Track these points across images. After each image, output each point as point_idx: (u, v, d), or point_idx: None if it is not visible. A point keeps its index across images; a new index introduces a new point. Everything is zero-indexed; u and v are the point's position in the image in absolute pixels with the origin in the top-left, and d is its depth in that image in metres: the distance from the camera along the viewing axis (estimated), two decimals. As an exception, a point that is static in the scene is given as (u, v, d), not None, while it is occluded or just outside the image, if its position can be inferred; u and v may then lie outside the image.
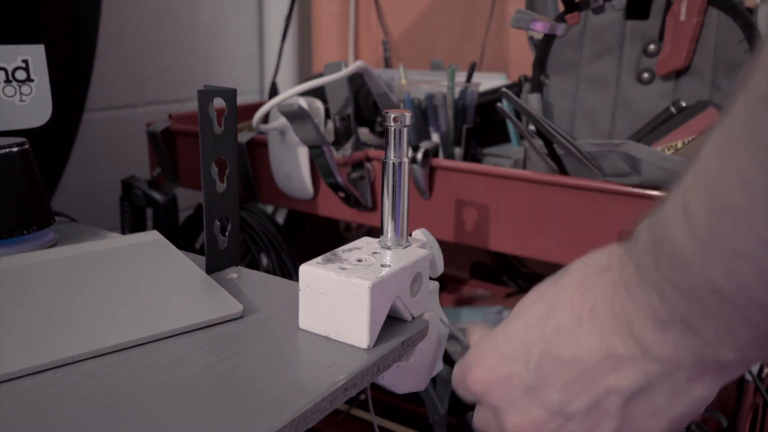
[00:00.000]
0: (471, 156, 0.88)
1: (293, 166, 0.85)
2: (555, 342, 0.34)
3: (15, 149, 0.56)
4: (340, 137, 0.82)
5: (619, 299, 0.31)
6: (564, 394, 0.33)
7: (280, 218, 1.18)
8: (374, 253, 0.43)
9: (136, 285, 0.48)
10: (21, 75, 0.58)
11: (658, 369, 0.31)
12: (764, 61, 0.23)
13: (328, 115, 0.87)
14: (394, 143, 0.43)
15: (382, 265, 0.41)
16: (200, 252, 0.52)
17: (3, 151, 0.55)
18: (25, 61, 0.58)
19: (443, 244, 0.48)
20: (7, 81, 0.57)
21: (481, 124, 0.90)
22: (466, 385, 0.38)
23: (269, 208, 1.14)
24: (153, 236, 0.57)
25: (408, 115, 0.43)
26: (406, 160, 0.44)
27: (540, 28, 0.75)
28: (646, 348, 0.30)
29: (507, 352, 0.36)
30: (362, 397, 0.92)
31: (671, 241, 0.27)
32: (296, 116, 0.76)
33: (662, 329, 0.30)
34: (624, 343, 0.31)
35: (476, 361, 0.37)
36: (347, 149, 0.80)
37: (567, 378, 0.33)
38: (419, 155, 0.74)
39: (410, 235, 0.47)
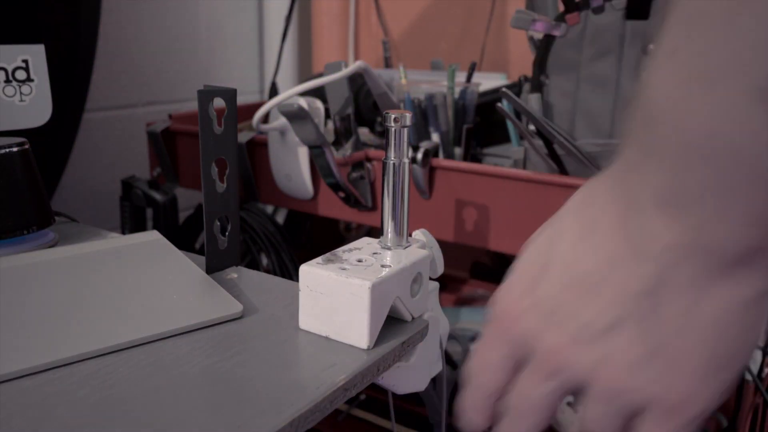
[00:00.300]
0: (471, 156, 0.88)
1: (293, 166, 0.85)
2: (564, 260, 0.32)
3: (15, 149, 0.56)
4: (340, 137, 0.82)
5: (617, 197, 0.29)
6: (581, 314, 0.31)
7: (280, 218, 1.18)
8: (374, 253, 0.43)
9: (136, 285, 0.48)
10: (21, 75, 0.58)
11: (663, 261, 0.28)
12: None
13: (328, 115, 0.87)
14: (395, 143, 0.43)
15: (382, 266, 0.41)
16: (200, 252, 0.52)
17: (3, 151, 0.55)
18: (25, 61, 0.58)
19: (443, 244, 0.48)
20: (7, 81, 0.57)
21: (481, 124, 0.90)
22: (498, 329, 0.34)
23: (269, 208, 1.14)
24: (153, 236, 0.57)
25: (408, 115, 0.43)
26: (406, 160, 0.44)
27: (540, 28, 0.75)
28: (644, 241, 0.28)
29: (524, 282, 0.33)
30: (362, 397, 0.92)
31: (655, 94, 0.26)
32: (296, 116, 0.76)
33: (660, 212, 0.27)
34: (624, 243, 0.29)
35: (501, 298, 0.35)
36: (347, 149, 0.80)
37: (577, 295, 0.31)
38: (419, 155, 0.74)
39: (410, 235, 0.47)
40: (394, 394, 0.47)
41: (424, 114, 0.85)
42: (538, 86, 0.78)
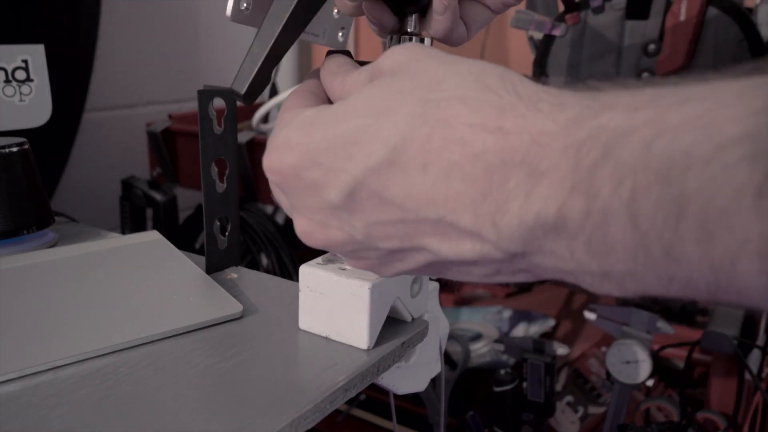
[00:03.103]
0: (471, 156, 0.88)
1: (293, 166, 0.85)
2: (383, 175, 0.26)
3: (15, 149, 0.56)
4: (340, 137, 0.82)
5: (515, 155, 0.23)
6: (372, 231, 0.28)
7: (280, 218, 1.18)
8: (374, 253, 0.43)
9: (136, 285, 0.48)
10: (21, 75, 0.58)
11: (500, 257, 0.25)
12: None
13: (328, 115, 0.87)
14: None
15: (382, 266, 0.41)
16: (200, 252, 0.52)
17: (3, 151, 0.55)
18: (25, 61, 0.58)
19: (443, 245, 0.48)
20: (7, 81, 0.57)
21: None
22: (265, 162, 0.31)
23: (269, 208, 1.14)
24: (153, 236, 0.57)
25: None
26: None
27: (540, 28, 0.75)
28: (502, 233, 0.24)
29: (320, 156, 0.28)
30: (362, 397, 0.92)
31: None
32: (296, 116, 0.76)
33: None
34: (473, 216, 0.24)
35: (284, 144, 0.29)
36: (347, 149, 0.79)
37: (381, 218, 0.27)
38: (419, 155, 0.74)
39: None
40: (394, 394, 0.47)
41: (424, 114, 0.85)
42: (538, 86, 0.78)
